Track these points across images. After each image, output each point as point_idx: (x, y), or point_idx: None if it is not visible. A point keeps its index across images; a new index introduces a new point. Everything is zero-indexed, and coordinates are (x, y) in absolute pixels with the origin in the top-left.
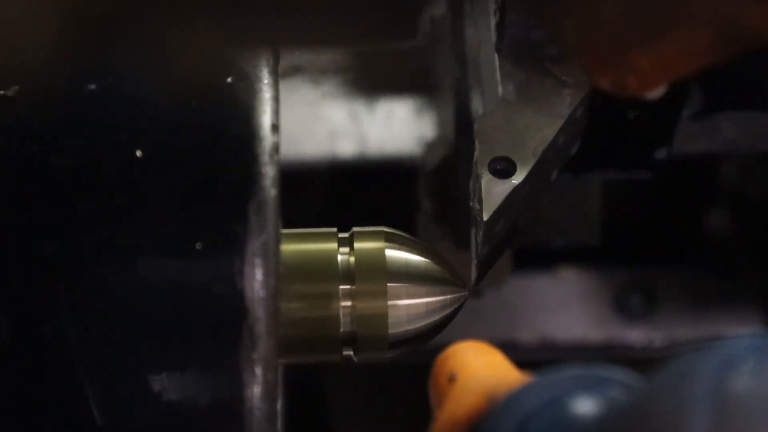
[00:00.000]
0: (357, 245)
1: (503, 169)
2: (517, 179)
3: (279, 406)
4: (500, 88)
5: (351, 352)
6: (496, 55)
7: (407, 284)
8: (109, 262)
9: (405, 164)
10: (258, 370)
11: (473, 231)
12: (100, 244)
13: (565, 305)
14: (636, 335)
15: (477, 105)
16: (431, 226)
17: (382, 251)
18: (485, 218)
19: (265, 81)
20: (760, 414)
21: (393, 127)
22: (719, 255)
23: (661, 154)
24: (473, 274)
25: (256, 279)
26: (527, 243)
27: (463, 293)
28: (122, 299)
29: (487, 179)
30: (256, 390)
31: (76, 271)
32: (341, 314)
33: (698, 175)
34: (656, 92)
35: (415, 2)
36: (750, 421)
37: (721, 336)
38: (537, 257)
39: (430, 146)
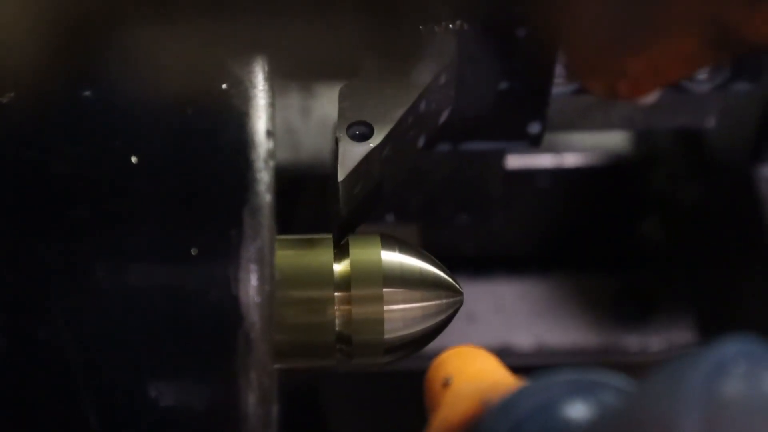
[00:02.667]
0: (352, 251)
1: (361, 133)
2: (374, 142)
3: (274, 411)
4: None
5: (346, 358)
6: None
7: (403, 289)
8: (104, 267)
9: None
10: (253, 376)
11: (333, 193)
12: (95, 249)
13: (561, 311)
14: (632, 340)
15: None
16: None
17: (377, 257)
18: (340, 179)
19: (260, 87)
20: (751, 418)
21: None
22: (717, 259)
23: (534, 128)
24: (334, 236)
25: (251, 285)
26: (524, 248)
27: (458, 298)
28: (117, 305)
29: (344, 142)
30: (251, 395)
31: (72, 276)
32: (337, 319)
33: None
34: (649, 98)
35: (412, 13)
36: (741, 425)
37: (714, 340)
38: (532, 262)
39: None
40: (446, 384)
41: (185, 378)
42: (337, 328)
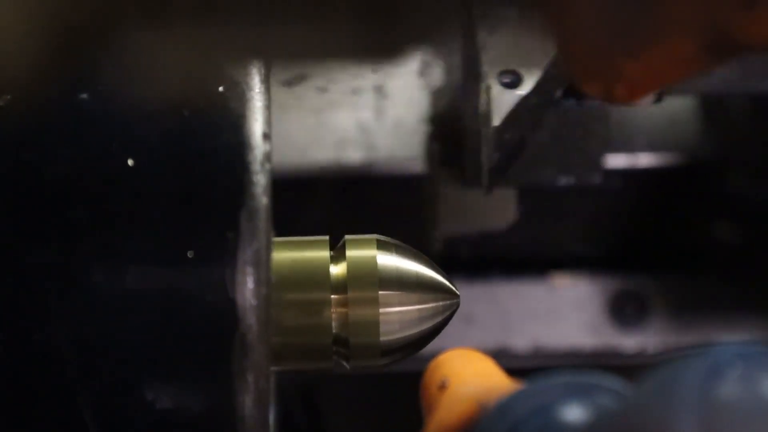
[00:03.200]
0: (349, 253)
1: (511, 81)
2: (524, 90)
3: (271, 413)
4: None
5: (343, 360)
6: None
7: (399, 292)
8: (100, 270)
9: (412, 172)
10: (250, 378)
11: (481, 143)
12: (91, 252)
13: (559, 313)
14: (629, 342)
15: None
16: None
17: (374, 259)
18: (495, 124)
19: (257, 89)
20: (747, 421)
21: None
22: (713, 262)
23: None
24: (485, 182)
25: (248, 287)
26: (522, 250)
27: (455, 300)
28: (114, 307)
29: (496, 89)
30: (248, 398)
31: (68, 279)
32: (333, 322)
33: (696, 182)
34: (645, 100)
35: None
36: (737, 427)
37: (712, 343)
38: (530, 265)
39: (438, 153)
40: (443, 386)
41: (182, 380)
42: (333, 331)
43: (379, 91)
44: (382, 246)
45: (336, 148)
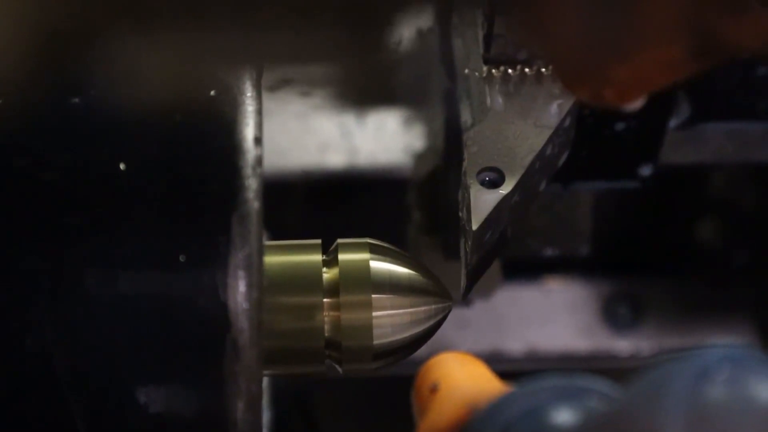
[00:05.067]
0: (341, 257)
1: (492, 179)
2: (505, 189)
3: (263, 417)
4: (488, 99)
5: (336, 364)
6: (484, 67)
7: (391, 295)
8: (92, 274)
9: (395, 176)
10: (242, 382)
11: (462, 241)
12: (83, 256)
13: (553, 316)
14: (623, 345)
15: (466, 116)
16: (421, 237)
17: (366, 262)
18: (474, 228)
19: (248, 94)
20: (734, 424)
21: (383, 138)
22: (706, 265)
23: (646, 170)
24: (462, 284)
25: (240, 291)
26: (516, 253)
27: (447, 304)
28: (106, 312)
29: (475, 189)
30: (240, 402)
31: (60, 283)
32: (325, 325)
33: (685, 185)
34: (635, 104)
35: (392, 18)
36: (724, 430)
37: (700, 346)
38: (524, 268)
39: (420, 157)
40: (434, 390)
41: (174, 385)
42: (326, 334)
43: (362, 96)
44: (374, 249)
45: (319, 152)
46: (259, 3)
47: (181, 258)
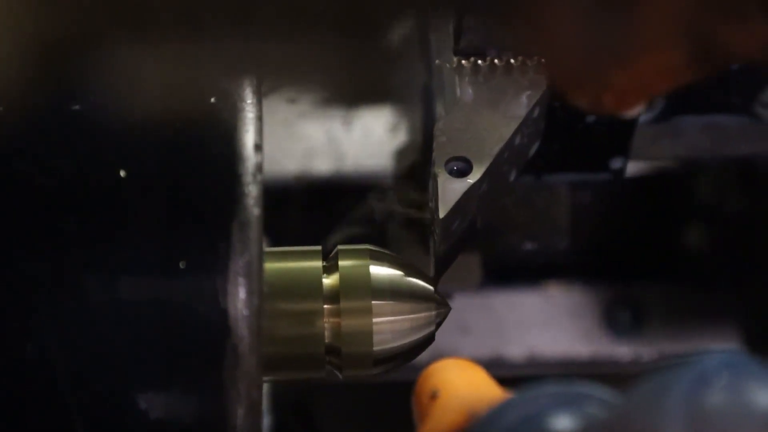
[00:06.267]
0: (341, 263)
1: (460, 168)
2: (473, 178)
3: (263, 424)
4: (458, 91)
5: (336, 370)
6: (454, 58)
7: (391, 301)
8: (92, 281)
9: (380, 179)
10: (242, 388)
11: (431, 230)
12: (83, 263)
13: (553, 321)
14: (624, 351)
15: (438, 108)
16: (401, 232)
17: (366, 269)
18: (441, 216)
19: (249, 101)
20: (733, 429)
21: (369, 143)
22: (708, 271)
23: (617, 163)
24: (431, 274)
25: (240, 298)
26: (503, 251)
27: (446, 310)
28: (106, 318)
29: (443, 178)
30: (240, 408)
31: (60, 290)
32: (326, 332)
33: (669, 183)
34: (634, 110)
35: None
36: None
37: (699, 352)
38: (524, 273)
39: (400, 153)
40: (434, 396)
41: (174, 391)
42: (326, 341)
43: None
44: (374, 256)
45: (305, 159)
46: (254, 13)
47: (182, 264)
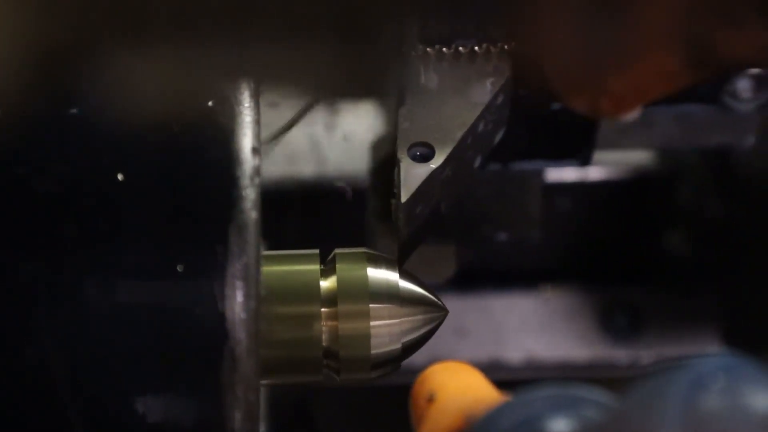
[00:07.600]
0: (339, 266)
1: (423, 154)
2: (435, 163)
3: (261, 427)
4: (423, 77)
5: (334, 373)
6: (419, 45)
7: (389, 305)
8: (90, 284)
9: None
10: (239, 392)
11: (394, 216)
12: (81, 266)
13: (550, 324)
14: (622, 354)
15: (404, 96)
16: (376, 224)
17: (364, 272)
18: (403, 200)
19: (246, 104)
20: None
21: (352, 145)
22: (706, 275)
23: (585, 151)
24: (395, 256)
25: (237, 301)
26: (514, 263)
27: (442, 313)
28: (104, 322)
29: (406, 163)
30: (237, 412)
31: (58, 293)
32: (323, 335)
33: (658, 192)
34: (631, 115)
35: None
36: None
37: (695, 355)
38: (522, 277)
39: (375, 146)
40: (430, 399)
41: (172, 394)
42: (324, 344)
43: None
44: (371, 259)
45: (288, 163)
46: (251, 18)
47: (179, 268)
